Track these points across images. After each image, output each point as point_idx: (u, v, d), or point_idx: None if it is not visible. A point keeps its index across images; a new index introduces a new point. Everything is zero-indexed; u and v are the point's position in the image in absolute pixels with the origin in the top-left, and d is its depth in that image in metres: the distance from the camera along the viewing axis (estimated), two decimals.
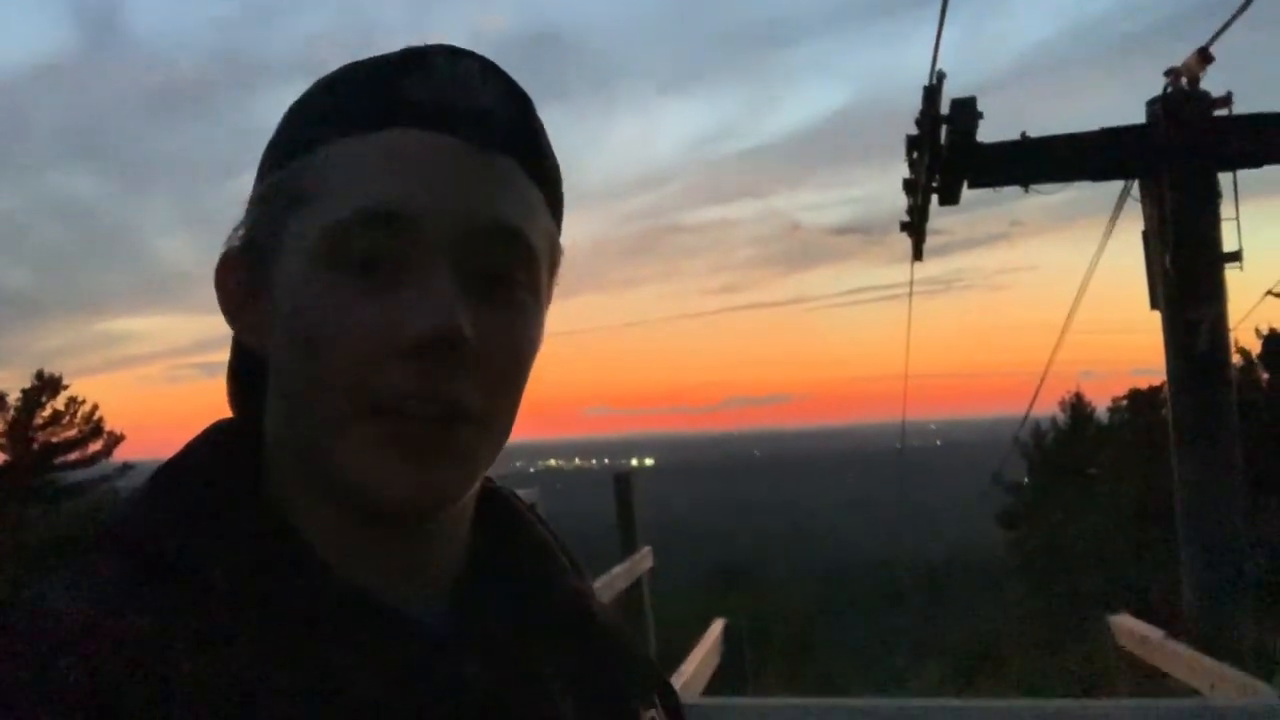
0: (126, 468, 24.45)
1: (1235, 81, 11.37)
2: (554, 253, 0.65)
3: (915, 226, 12.08)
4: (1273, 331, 16.53)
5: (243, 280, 0.63)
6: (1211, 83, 11.04)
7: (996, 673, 14.45)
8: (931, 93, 10.10)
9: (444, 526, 0.64)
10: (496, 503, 0.72)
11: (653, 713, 0.72)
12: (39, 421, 23.39)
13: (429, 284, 0.57)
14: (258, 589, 0.56)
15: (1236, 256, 10.95)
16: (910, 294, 15.58)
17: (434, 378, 0.57)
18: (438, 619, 0.63)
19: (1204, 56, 10.72)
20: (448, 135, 0.59)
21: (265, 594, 0.56)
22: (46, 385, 23.91)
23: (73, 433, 24.09)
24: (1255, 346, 16.73)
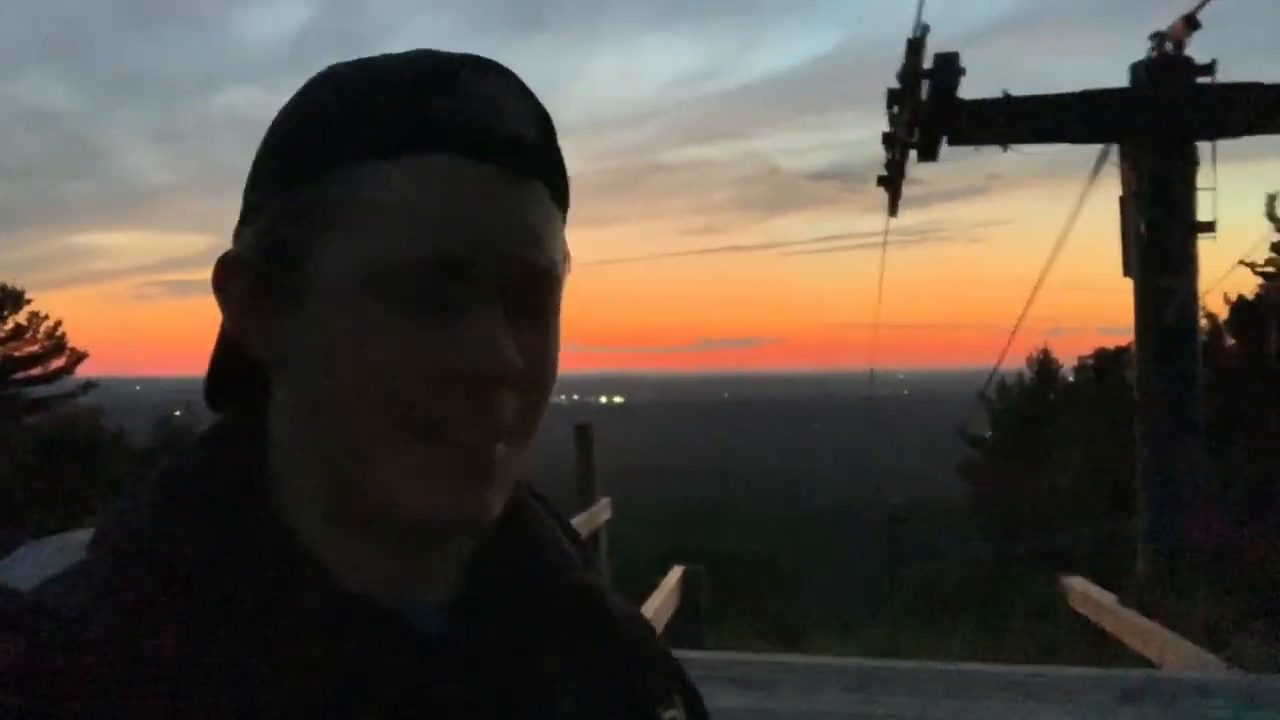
0: (89, 385, 24.27)
1: (1221, 49, 11.29)
2: (566, 256, 0.65)
3: (892, 181, 11.98)
4: (1241, 299, 16.63)
5: (253, 289, 0.62)
6: (1197, 49, 10.97)
7: (951, 625, 14.65)
8: (914, 46, 9.94)
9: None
10: None
11: (674, 713, 0.71)
12: None
13: (482, 320, 0.58)
14: (263, 596, 0.58)
15: (1211, 227, 10.95)
16: (884, 245, 15.58)
17: (483, 404, 0.58)
18: (441, 621, 0.63)
19: (1190, 23, 10.61)
20: (489, 164, 0.59)
21: (270, 601, 0.58)
22: (8, 299, 23.57)
23: (35, 348, 23.83)
24: (1224, 313, 16.84)
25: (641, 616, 0.77)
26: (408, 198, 0.58)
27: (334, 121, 0.61)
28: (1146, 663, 7.56)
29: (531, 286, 0.61)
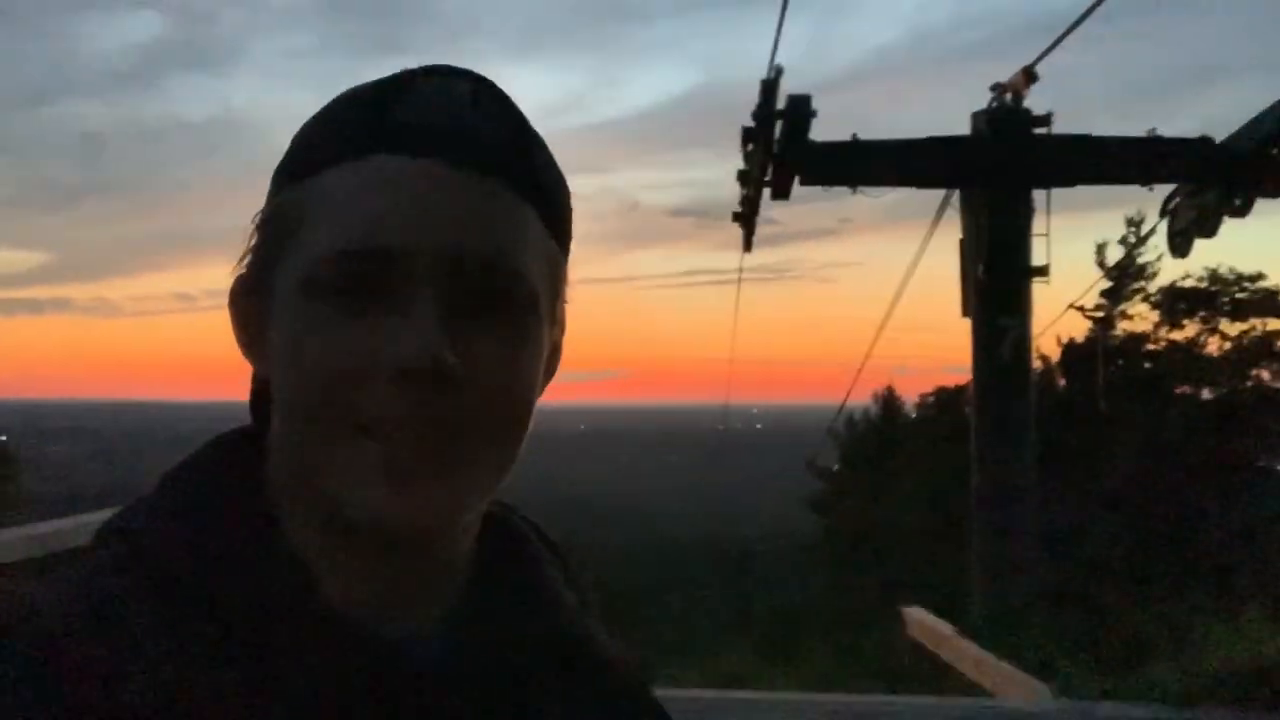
0: None
1: (1058, 102, 11.90)
2: (555, 269, 0.65)
3: (746, 218, 12.19)
4: (1072, 341, 17.49)
5: (249, 311, 0.65)
6: (1035, 101, 11.52)
7: (800, 654, 14.85)
8: (768, 87, 10.16)
9: (439, 554, 0.64)
10: (500, 534, 0.71)
11: None
12: None
13: (410, 314, 0.57)
14: (249, 608, 0.57)
15: (1044, 271, 11.49)
16: (739, 282, 15.85)
17: (418, 400, 0.57)
18: (427, 650, 0.62)
19: (1029, 75, 11.14)
20: (431, 160, 0.59)
21: (256, 613, 0.57)
22: None
23: None
24: (1056, 354, 17.67)
25: (632, 663, 0.75)
26: (347, 196, 0.59)
27: (306, 138, 0.64)
28: (982, 691, 7.79)
29: (481, 279, 0.59)
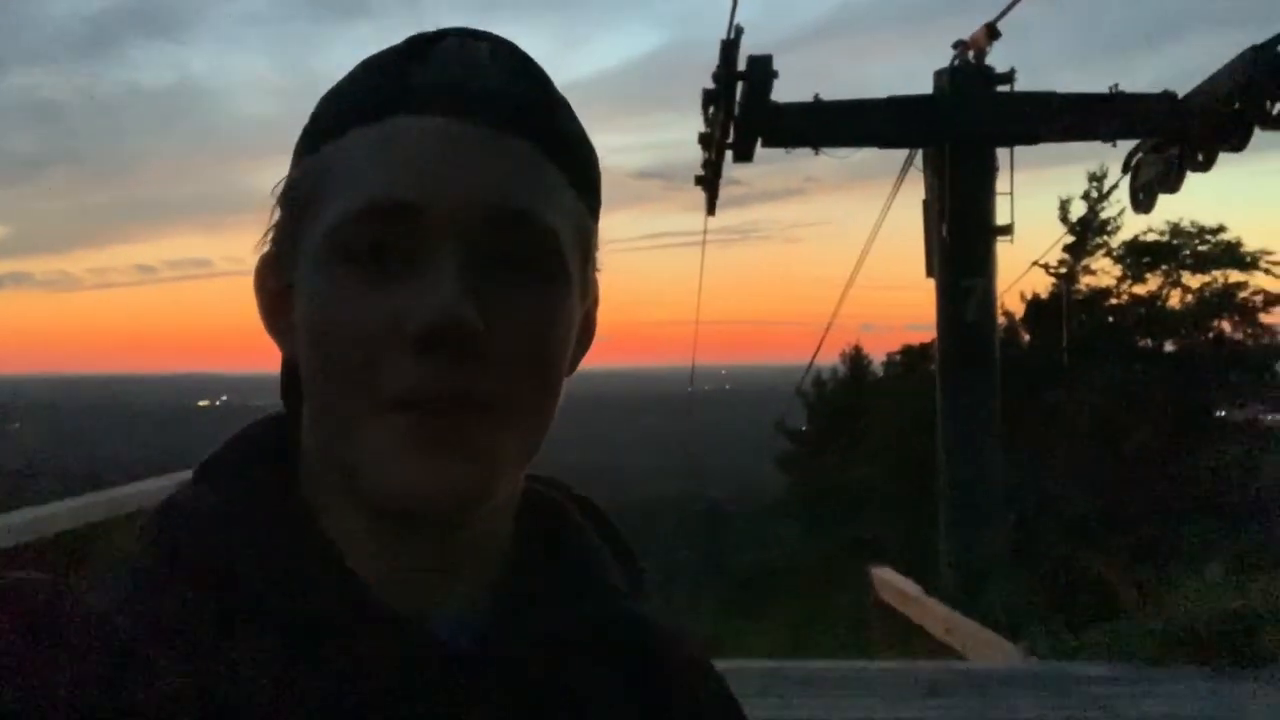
0: None
1: (1020, 59, 11.85)
2: (584, 233, 0.63)
3: (709, 181, 12.09)
4: (1036, 297, 17.58)
5: (273, 286, 0.63)
6: (997, 58, 11.46)
7: (770, 613, 14.95)
8: (728, 48, 10.01)
9: (474, 533, 0.62)
10: (541, 511, 0.68)
11: None
12: None
13: (433, 274, 0.55)
14: (281, 592, 0.56)
15: (1008, 230, 11.49)
16: (704, 244, 15.80)
17: (442, 371, 0.54)
18: (463, 631, 0.60)
19: (991, 32, 11.06)
20: (453, 119, 0.57)
21: (287, 597, 0.56)
22: None
23: None
24: (1020, 310, 17.76)
25: (690, 642, 0.73)
26: (365, 156, 0.57)
27: (327, 107, 0.62)
28: (951, 651, 7.84)
29: (506, 236, 0.57)
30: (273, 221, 0.63)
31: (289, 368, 0.65)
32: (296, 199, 0.61)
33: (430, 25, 0.62)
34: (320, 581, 0.57)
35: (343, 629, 0.56)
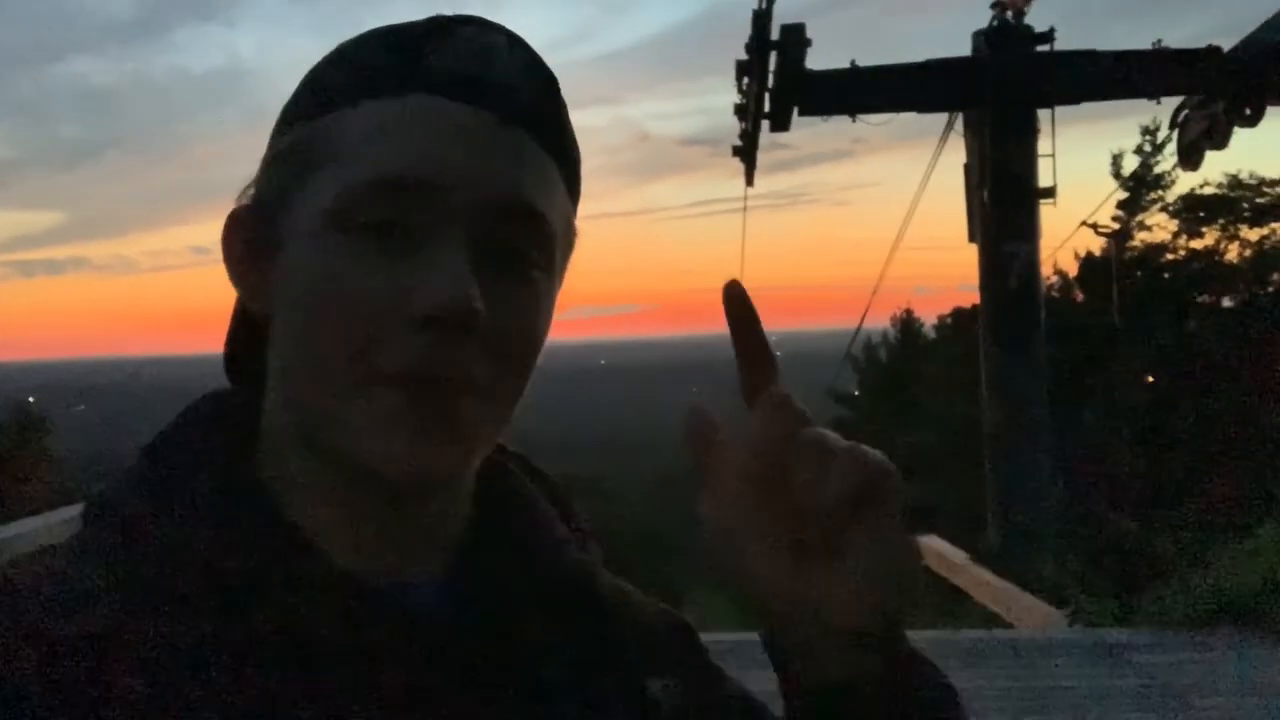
0: None
1: (1060, 17, 11.60)
2: (569, 233, 0.65)
3: (747, 151, 12.01)
4: (1089, 255, 17.28)
5: (249, 240, 0.62)
6: (1036, 17, 11.24)
7: None
8: (760, 17, 9.92)
9: (443, 503, 0.64)
10: (495, 474, 0.70)
11: (664, 682, 0.70)
12: None
13: (442, 254, 0.56)
14: (235, 565, 0.56)
15: (1051, 193, 11.27)
16: (744, 213, 15.68)
17: (442, 350, 0.56)
18: (424, 597, 0.62)
19: None
20: (470, 106, 0.58)
21: (242, 570, 0.56)
22: None
23: None
24: (1074, 269, 17.48)
25: (638, 594, 0.76)
26: (385, 128, 0.58)
27: (329, 73, 0.62)
28: (998, 619, 7.83)
29: (511, 228, 0.59)
30: (259, 176, 0.63)
31: (247, 327, 0.65)
32: (298, 160, 0.60)
33: (460, 7, 0.63)
34: (273, 551, 0.58)
35: (305, 598, 0.57)
